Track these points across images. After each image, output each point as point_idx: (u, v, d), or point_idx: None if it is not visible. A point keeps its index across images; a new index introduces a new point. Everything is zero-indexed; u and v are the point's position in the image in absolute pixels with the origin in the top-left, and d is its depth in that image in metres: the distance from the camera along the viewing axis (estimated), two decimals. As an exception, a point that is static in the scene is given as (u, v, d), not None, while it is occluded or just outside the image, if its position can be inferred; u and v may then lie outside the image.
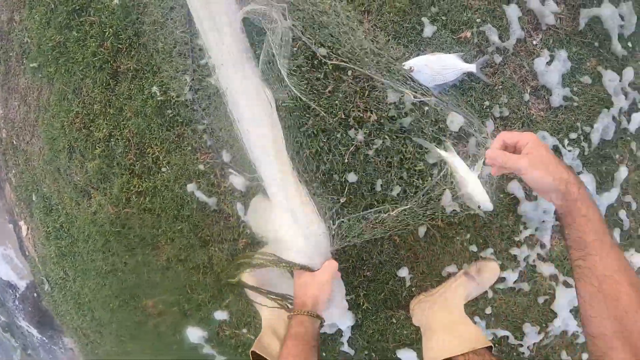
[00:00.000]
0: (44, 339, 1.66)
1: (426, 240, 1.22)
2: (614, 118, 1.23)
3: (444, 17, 1.15)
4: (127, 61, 1.26)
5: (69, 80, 1.30)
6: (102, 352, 1.50)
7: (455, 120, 1.14)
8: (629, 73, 1.23)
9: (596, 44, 1.20)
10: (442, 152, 1.09)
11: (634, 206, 1.30)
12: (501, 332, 1.32)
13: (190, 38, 1.22)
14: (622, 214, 1.29)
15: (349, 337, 1.30)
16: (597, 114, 1.22)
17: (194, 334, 1.32)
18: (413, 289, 1.25)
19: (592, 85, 1.22)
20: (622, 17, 1.21)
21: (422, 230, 1.20)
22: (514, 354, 1.34)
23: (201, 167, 1.24)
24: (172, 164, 1.23)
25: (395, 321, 1.28)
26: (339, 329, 1.30)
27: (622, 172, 1.25)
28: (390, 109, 1.16)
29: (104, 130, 1.27)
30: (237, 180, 1.23)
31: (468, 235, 1.20)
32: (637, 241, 1.33)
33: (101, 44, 1.26)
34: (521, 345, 1.35)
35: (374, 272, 1.24)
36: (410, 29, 1.15)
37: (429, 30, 1.14)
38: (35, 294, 1.66)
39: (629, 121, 1.25)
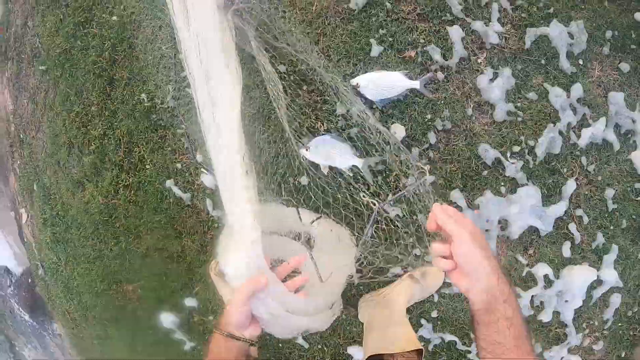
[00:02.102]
0: (35, 324, 1.86)
1: (372, 241, 1.31)
2: (560, 132, 1.26)
3: (390, 38, 1.25)
4: (122, 70, 1.47)
5: (72, 83, 1.52)
6: (86, 335, 1.70)
7: (398, 131, 1.24)
8: (577, 89, 1.26)
9: (543, 61, 1.25)
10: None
11: (585, 220, 1.31)
12: (449, 337, 1.37)
13: (174, 53, 1.42)
14: (572, 227, 1.30)
15: (303, 330, 1.41)
16: (542, 128, 1.26)
17: (167, 319, 1.49)
18: (361, 287, 1.34)
19: (538, 101, 1.26)
20: (571, 36, 1.26)
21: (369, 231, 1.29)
22: (462, 359, 1.38)
23: (179, 165, 1.42)
24: (154, 162, 1.43)
25: (345, 317, 1.38)
26: (293, 321, 1.41)
27: (570, 186, 1.27)
28: (338, 120, 1.28)
29: (99, 130, 1.48)
30: (208, 179, 1.40)
31: (411, 239, 1.28)
32: (591, 255, 1.33)
33: (100, 54, 1.48)
34: (469, 352, 1.38)
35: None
36: (359, 49, 1.27)
37: (376, 50, 1.25)
38: (30, 280, 1.88)
39: (578, 136, 1.28)
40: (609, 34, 1.27)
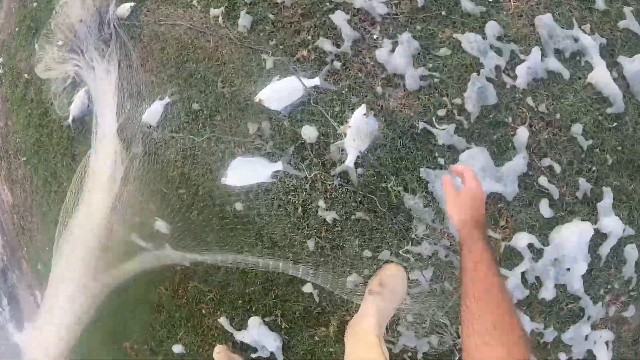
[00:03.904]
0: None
1: (318, 252, 1.21)
2: (489, 80, 1.10)
3: (281, 46, 1.23)
4: (80, 146, 1.60)
5: (46, 167, 1.72)
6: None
7: (308, 133, 1.18)
8: (493, 27, 1.11)
9: (444, 12, 1.13)
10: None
11: (557, 168, 1.09)
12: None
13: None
14: (543, 180, 1.09)
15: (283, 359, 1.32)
16: (467, 82, 1.11)
17: None
18: (324, 304, 1.24)
19: (454, 55, 1.13)
20: (469, -24, 1.13)
21: (311, 244, 1.21)
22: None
23: (137, 218, 1.48)
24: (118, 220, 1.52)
25: (318, 339, 1.27)
26: (271, 353, 1.33)
27: (522, 135, 1.08)
28: (254, 140, 1.26)
29: (72, 203, 1.57)
30: (161, 225, 1.43)
31: (357, 241, 1.16)
32: (581, 207, 1.09)
33: (62, 135, 1.65)
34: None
35: (284, 292, 1.27)
36: (257, 66, 1.26)
37: (269, 62, 1.24)
38: None
39: (514, 78, 1.10)
40: (513, -42, 1.12)
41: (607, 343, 1.12)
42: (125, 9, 1.41)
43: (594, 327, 1.11)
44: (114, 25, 1.33)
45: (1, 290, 2.27)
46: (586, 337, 1.11)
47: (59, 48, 1.44)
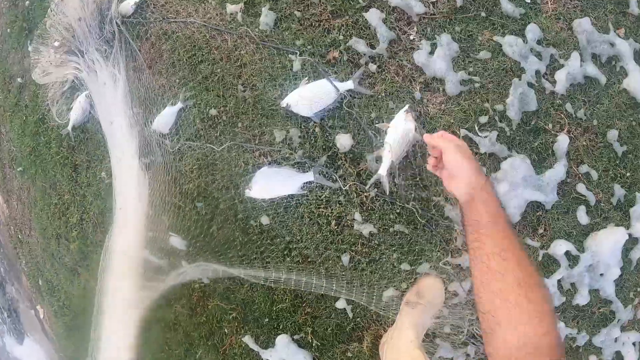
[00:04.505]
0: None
1: (354, 267, 1.16)
2: (530, 85, 1.08)
3: (309, 46, 1.14)
4: (81, 155, 1.49)
5: (45, 177, 1.58)
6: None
7: (343, 141, 1.11)
8: (533, 31, 1.08)
9: (483, 13, 1.09)
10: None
11: (594, 175, 1.09)
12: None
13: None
14: (581, 187, 1.09)
15: (314, 378, 1.28)
16: (508, 86, 1.08)
17: None
18: (358, 319, 1.19)
19: (494, 58, 1.09)
20: (508, -24, 1.09)
21: (345, 259, 1.15)
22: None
23: (150, 234, 1.36)
24: None
25: (351, 355, 1.22)
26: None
27: (562, 142, 1.07)
28: (280, 149, 1.16)
29: (76, 216, 1.51)
30: (177, 241, 1.33)
31: (395, 255, 1.12)
32: (615, 213, 1.11)
33: (61, 144, 1.51)
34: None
35: (314, 308, 1.22)
36: (282, 68, 1.16)
37: (297, 64, 1.14)
38: None
39: (553, 83, 1.08)
40: (552, -41, 1.09)
41: (634, 344, 1.16)
42: (128, 5, 1.26)
43: (622, 329, 1.15)
44: (117, 24, 1.17)
45: (0, 303, 2.13)
46: (616, 340, 1.15)
47: (55, 50, 1.28)
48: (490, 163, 1.09)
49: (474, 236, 0.69)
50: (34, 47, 1.39)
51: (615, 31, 1.10)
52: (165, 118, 1.22)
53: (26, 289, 1.92)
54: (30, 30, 1.56)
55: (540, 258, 1.12)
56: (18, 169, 1.71)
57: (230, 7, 1.21)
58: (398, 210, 1.11)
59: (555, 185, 1.08)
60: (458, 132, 1.08)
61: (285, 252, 1.19)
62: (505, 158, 1.08)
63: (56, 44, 1.26)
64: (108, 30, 1.17)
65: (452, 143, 0.77)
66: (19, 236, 1.84)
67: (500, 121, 1.08)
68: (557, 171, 1.07)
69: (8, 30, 1.70)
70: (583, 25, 1.07)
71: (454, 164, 0.75)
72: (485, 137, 1.08)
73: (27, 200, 1.73)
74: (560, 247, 1.10)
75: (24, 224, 1.79)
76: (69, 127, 1.40)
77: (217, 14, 1.23)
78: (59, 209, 1.58)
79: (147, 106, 1.21)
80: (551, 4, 1.10)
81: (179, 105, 1.22)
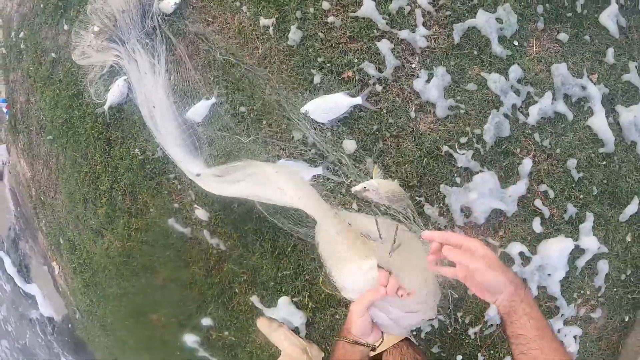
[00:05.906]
0: (81, 364, 2.05)
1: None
2: (506, 116, 1.30)
3: (328, 64, 1.38)
4: (116, 131, 1.65)
5: (77, 148, 1.73)
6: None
7: (349, 145, 1.37)
8: (515, 71, 1.29)
9: (475, 52, 1.30)
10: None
11: (552, 194, 1.32)
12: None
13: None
14: (538, 203, 1.32)
15: (306, 333, 1.58)
16: (487, 115, 1.30)
17: (190, 339, 1.70)
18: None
19: (479, 91, 1.31)
20: (500, 20, 1.29)
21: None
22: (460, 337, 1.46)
23: (176, 205, 1.64)
24: (156, 205, 1.63)
25: (338, 317, 1.52)
26: (296, 327, 1.59)
27: (527, 164, 1.30)
28: (297, 145, 1.44)
29: (107, 184, 1.70)
30: (202, 212, 1.62)
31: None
32: (566, 227, 1.34)
33: (96, 120, 1.66)
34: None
35: (313, 276, 1.51)
36: (304, 80, 1.41)
37: (317, 78, 1.39)
38: (69, 325, 2.07)
39: (526, 115, 1.30)
40: (540, 8, 1.28)
41: (575, 337, 1.41)
42: (169, 4, 1.41)
43: (565, 323, 1.40)
44: (158, 20, 1.33)
45: (11, 258, 2.28)
46: (559, 331, 1.40)
47: (95, 35, 1.40)
48: (465, 175, 1.33)
49: (521, 348, 0.71)
50: (75, 31, 1.47)
51: (588, 76, 1.30)
52: (199, 109, 1.43)
53: (42, 247, 2.03)
54: (65, 9, 1.64)
55: (498, 255, 1.37)
56: (48, 137, 1.80)
57: (264, 21, 1.44)
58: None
59: (516, 198, 1.32)
60: (441, 147, 1.32)
61: (295, 224, 1.47)
62: (477, 172, 1.32)
63: (96, 29, 1.38)
64: (149, 24, 1.31)
65: (479, 261, 0.73)
66: (42, 197, 1.94)
67: (477, 142, 1.31)
68: (519, 187, 1.31)
69: (42, 5, 1.77)
70: (560, 69, 1.27)
71: (490, 283, 0.73)
72: (463, 154, 1.32)
73: (54, 166, 1.83)
74: (515, 248, 1.35)
75: (49, 187, 1.89)
76: (106, 107, 1.52)
77: (250, 24, 1.46)
78: (89, 177, 1.71)
79: (183, 97, 1.44)
80: (535, 48, 1.30)
81: (213, 100, 1.44)
